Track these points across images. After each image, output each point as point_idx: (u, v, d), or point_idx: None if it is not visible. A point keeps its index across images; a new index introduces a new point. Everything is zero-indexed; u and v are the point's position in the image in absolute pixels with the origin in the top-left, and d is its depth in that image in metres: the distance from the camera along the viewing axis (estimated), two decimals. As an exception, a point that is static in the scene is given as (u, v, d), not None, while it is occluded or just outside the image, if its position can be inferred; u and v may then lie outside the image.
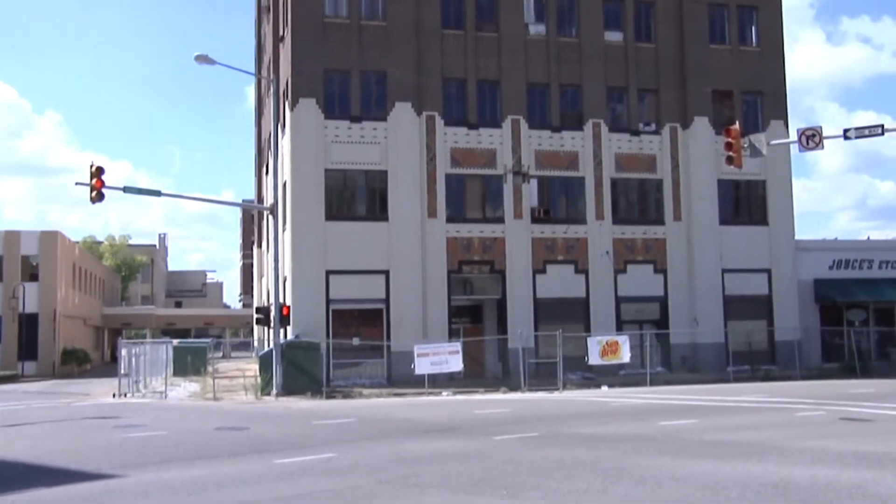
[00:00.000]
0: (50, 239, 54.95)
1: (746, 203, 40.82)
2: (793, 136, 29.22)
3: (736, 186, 40.48)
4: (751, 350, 38.79)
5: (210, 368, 34.62)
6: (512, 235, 37.29)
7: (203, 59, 29.81)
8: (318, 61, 35.63)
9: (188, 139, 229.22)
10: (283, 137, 37.16)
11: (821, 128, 25.13)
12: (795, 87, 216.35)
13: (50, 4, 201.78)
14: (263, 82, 50.45)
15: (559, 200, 38.51)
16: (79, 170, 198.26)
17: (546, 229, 37.83)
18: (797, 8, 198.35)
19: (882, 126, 24.13)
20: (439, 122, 36.96)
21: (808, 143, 25.01)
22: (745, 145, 26.34)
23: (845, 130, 24.74)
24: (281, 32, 39.79)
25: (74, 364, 55.33)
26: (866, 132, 24.29)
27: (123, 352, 33.27)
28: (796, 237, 41.04)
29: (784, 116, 41.23)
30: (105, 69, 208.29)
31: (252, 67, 57.88)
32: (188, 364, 40.09)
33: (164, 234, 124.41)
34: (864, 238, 47.57)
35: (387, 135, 36.10)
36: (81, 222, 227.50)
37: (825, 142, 24.95)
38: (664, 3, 40.35)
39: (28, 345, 52.68)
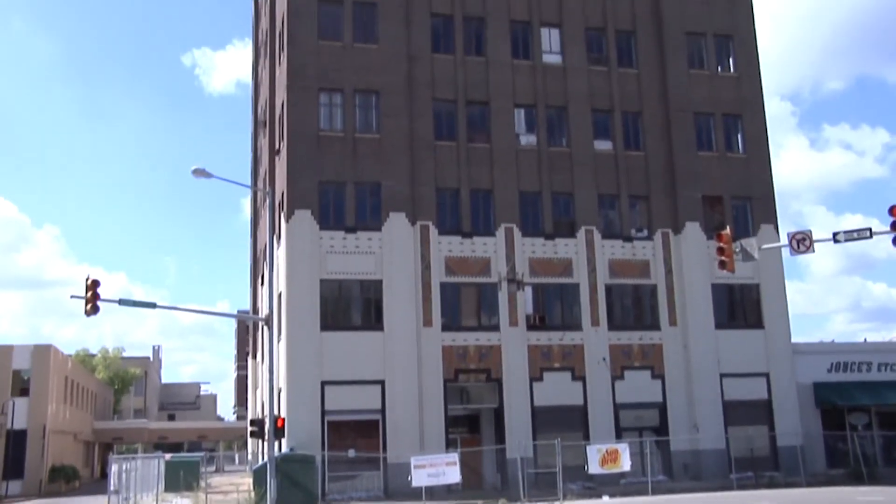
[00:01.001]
0: (43, 353, 54.50)
1: (741, 307, 40.87)
2: (783, 240, 29.51)
3: (730, 290, 40.59)
4: (753, 456, 38.14)
5: (203, 483, 33.89)
6: (508, 343, 37.15)
7: (200, 172, 30.22)
8: (313, 173, 36.20)
9: (184, 250, 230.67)
10: (278, 248, 37.40)
11: (810, 231, 25.44)
12: (783, 191, 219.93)
13: (50, 119, 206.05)
14: (259, 194, 51.13)
15: (554, 307, 38.53)
16: (74, 282, 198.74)
17: (542, 336, 37.72)
18: (780, 116, 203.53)
19: (870, 229, 24.42)
20: (433, 231, 37.31)
21: (798, 247, 25.26)
22: (737, 250, 26.59)
23: (834, 234, 25.01)
24: (277, 146, 40.55)
25: (62, 481, 54.05)
26: (855, 235, 24.55)
27: (114, 468, 32.64)
28: (793, 340, 40.92)
29: (774, 220, 41.74)
30: (103, 182, 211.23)
31: (248, 180, 58.72)
32: (180, 479, 39.26)
33: (159, 346, 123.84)
34: (861, 340, 47.46)
35: (381, 244, 36.39)
36: (76, 334, 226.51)
37: (815, 245, 25.21)
38: (651, 113, 41.35)
39: (14, 462, 51.43)
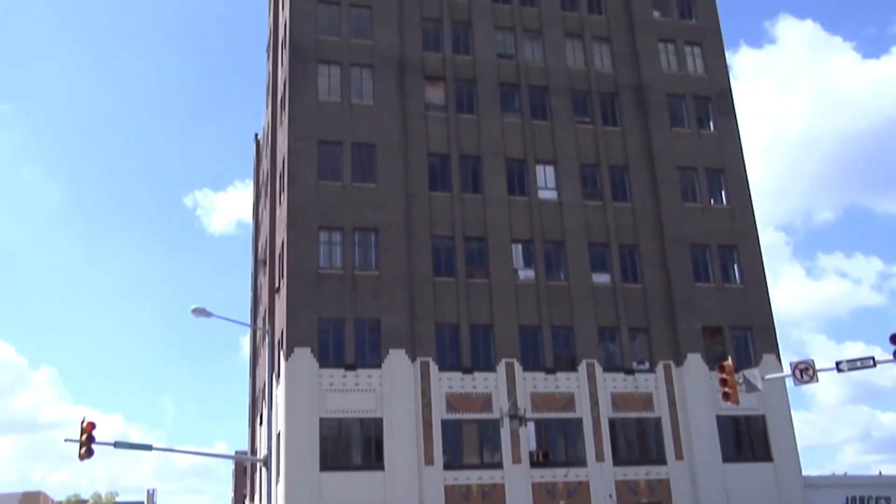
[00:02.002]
0: (32, 500, 53.13)
1: (748, 439, 40.12)
2: (786, 370, 29.29)
3: (735, 422, 39.94)
4: None
5: None
6: (511, 481, 36.26)
7: (200, 312, 30.36)
8: (312, 311, 36.27)
9: (182, 390, 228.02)
10: (277, 387, 37.03)
11: (813, 361, 25.31)
12: (783, 320, 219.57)
13: (53, 261, 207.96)
14: (259, 333, 51.02)
15: (558, 443, 37.83)
16: (70, 424, 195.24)
17: (546, 473, 36.86)
18: (774, 246, 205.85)
19: (873, 358, 24.31)
20: (433, 367, 37.06)
21: (802, 377, 25.07)
22: (740, 381, 26.37)
23: (837, 363, 24.87)
24: (276, 284, 40.78)
25: None
26: (858, 364, 24.42)
27: None
28: (804, 473, 39.95)
29: (775, 350, 41.51)
30: (103, 322, 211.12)
31: (248, 319, 58.76)
32: None
33: (153, 490, 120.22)
34: (876, 473, 46.27)
35: (381, 382, 36.06)
36: (68, 478, 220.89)
37: (819, 375, 25.01)
38: (647, 246, 41.81)
39: None
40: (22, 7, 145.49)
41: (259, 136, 61.89)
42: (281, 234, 39.75)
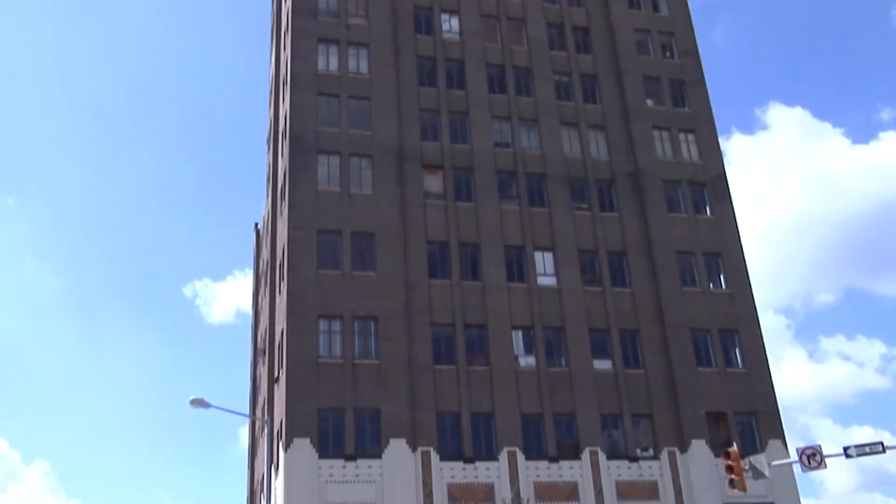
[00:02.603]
0: None
1: (757, 528, 39.22)
2: (793, 455, 28.87)
3: (743, 511, 39.11)
4: None
5: None
6: (516, 575, 35.30)
7: (198, 402, 30.05)
8: (312, 401, 35.91)
9: (178, 483, 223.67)
10: (276, 479, 36.39)
11: (820, 446, 24.95)
12: (788, 405, 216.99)
13: (49, 353, 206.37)
14: (257, 423, 50.42)
15: (563, 534, 36.96)
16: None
17: (551, 566, 35.90)
18: (775, 329, 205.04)
19: (881, 443, 23.99)
20: (434, 457, 36.48)
21: (809, 463, 24.67)
22: (746, 467, 25.95)
23: (845, 448, 24.52)
24: (276, 374, 40.48)
25: None
26: (867, 450, 24.08)
27: None
28: (815, 563, 38.98)
29: (781, 435, 40.95)
30: (99, 414, 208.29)
31: (246, 409, 58.12)
32: None
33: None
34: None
35: (382, 472, 35.46)
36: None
37: (827, 460, 24.63)
38: (648, 331, 41.67)
39: None
40: (27, 101, 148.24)
41: (259, 226, 62.37)
42: (280, 323, 39.65)
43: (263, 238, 55.43)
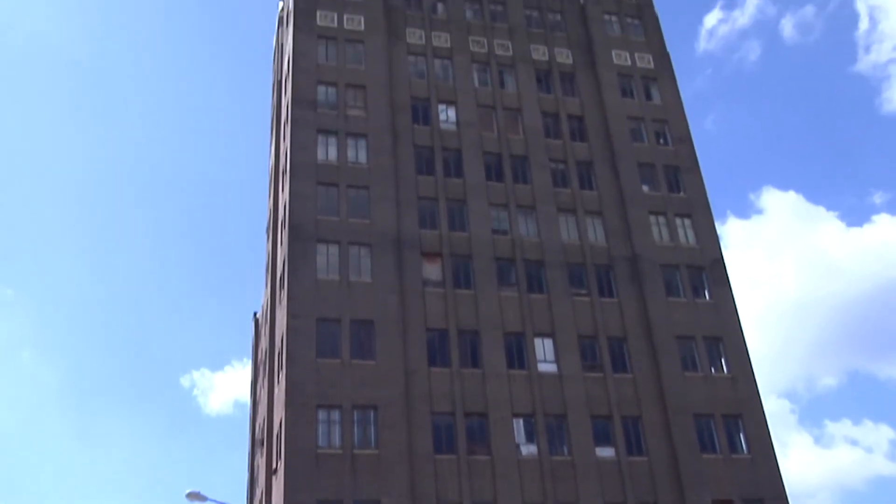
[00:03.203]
0: None
1: None
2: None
3: None
4: None
5: None
6: None
7: (195, 496, 29.58)
8: (310, 493, 35.28)
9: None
10: (273, 576, 35.51)
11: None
12: (795, 491, 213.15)
13: (45, 446, 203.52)
14: (255, 517, 49.38)
15: None
16: None
17: None
18: (779, 413, 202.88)
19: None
20: (436, 550, 35.64)
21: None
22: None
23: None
24: (274, 465, 39.88)
25: None
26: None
27: None
28: None
29: (790, 524, 40.11)
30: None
31: (244, 502, 57.04)
32: None
33: None
34: None
35: (382, 567, 34.58)
36: None
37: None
38: (650, 417, 41.22)
39: None
40: (26, 191, 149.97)
41: (258, 315, 62.31)
42: (279, 414, 39.26)
43: (262, 327, 55.33)
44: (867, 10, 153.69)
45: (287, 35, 52.39)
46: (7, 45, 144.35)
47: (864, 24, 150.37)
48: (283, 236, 43.50)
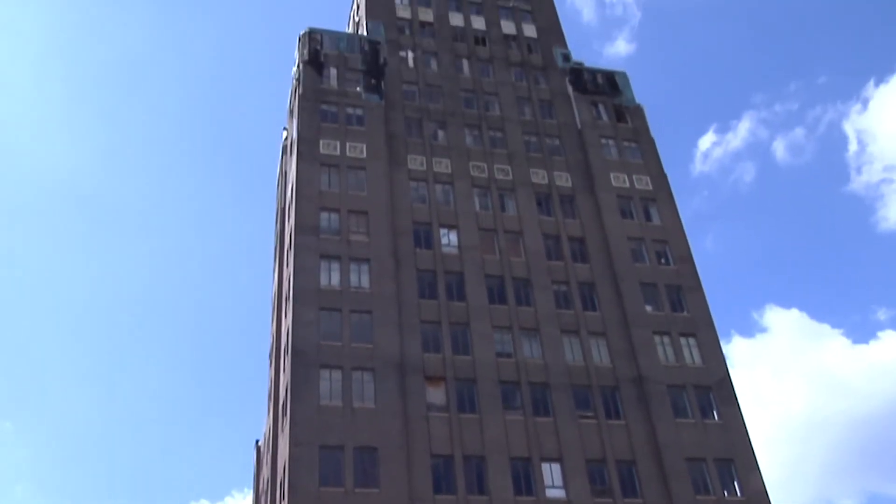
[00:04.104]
0: None
1: None
2: None
3: None
4: None
5: None
6: None
7: None
8: None
9: None
10: None
11: None
12: None
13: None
14: None
15: None
16: None
17: None
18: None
19: None
20: None
21: None
22: None
23: None
24: None
25: None
26: None
27: None
28: None
29: None
30: None
31: None
32: None
33: None
34: None
35: None
36: None
37: None
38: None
39: None
40: (26, 322, 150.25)
41: (260, 443, 61.20)
42: (280, 547, 38.05)
43: (264, 455, 54.26)
44: (855, 134, 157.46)
45: (291, 163, 53.49)
46: (13, 175, 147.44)
47: (853, 146, 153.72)
48: (286, 362, 43.20)
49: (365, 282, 44.96)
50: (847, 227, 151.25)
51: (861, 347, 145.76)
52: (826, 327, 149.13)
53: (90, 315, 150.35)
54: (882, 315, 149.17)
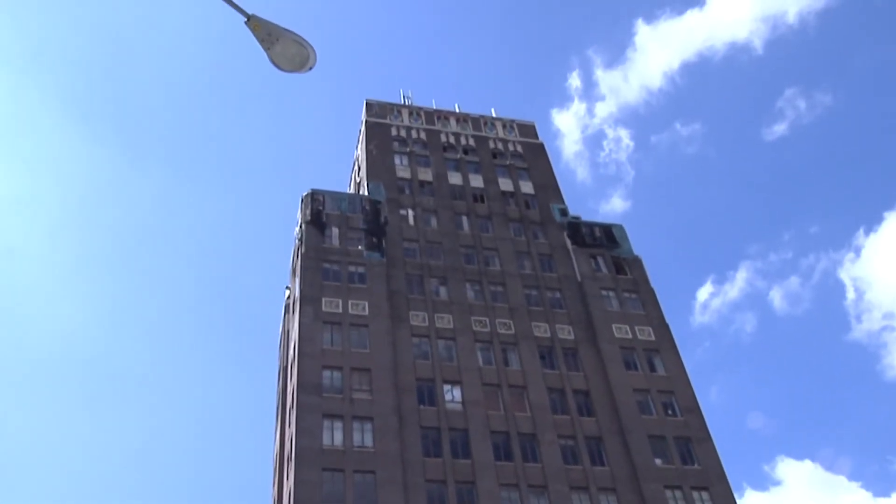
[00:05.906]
0: None
1: None
2: None
3: None
4: None
5: None
6: None
7: None
8: None
9: None
10: None
11: None
12: None
13: None
14: None
15: None
16: None
17: None
18: None
19: None
20: None
21: None
22: None
23: None
24: None
25: None
26: None
27: None
28: None
29: None
30: None
31: None
32: None
33: None
34: None
35: None
36: None
37: None
38: None
39: None
40: (30, 481, 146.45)
41: None
42: None
43: None
44: (851, 282, 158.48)
45: (293, 321, 53.61)
46: (12, 336, 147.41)
47: (850, 294, 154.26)
48: (288, 527, 41.85)
49: (368, 440, 44.16)
50: (853, 377, 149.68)
51: (883, 501, 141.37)
52: (842, 479, 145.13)
53: (89, 478, 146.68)
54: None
